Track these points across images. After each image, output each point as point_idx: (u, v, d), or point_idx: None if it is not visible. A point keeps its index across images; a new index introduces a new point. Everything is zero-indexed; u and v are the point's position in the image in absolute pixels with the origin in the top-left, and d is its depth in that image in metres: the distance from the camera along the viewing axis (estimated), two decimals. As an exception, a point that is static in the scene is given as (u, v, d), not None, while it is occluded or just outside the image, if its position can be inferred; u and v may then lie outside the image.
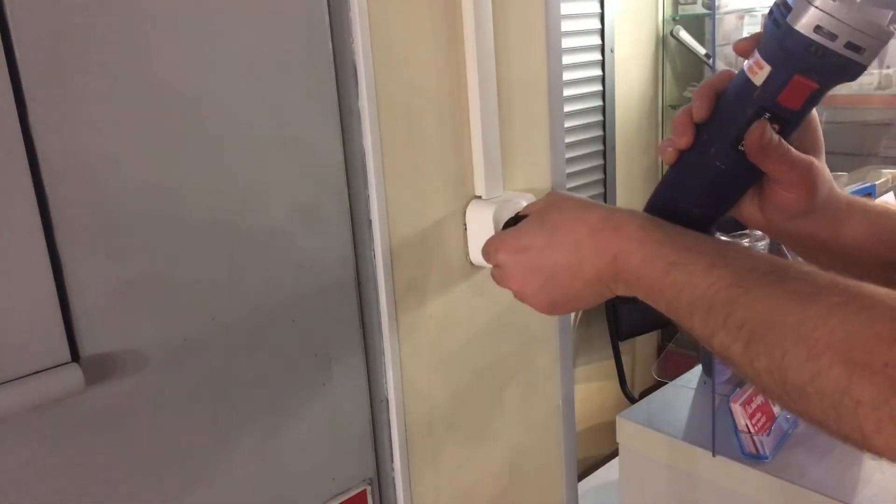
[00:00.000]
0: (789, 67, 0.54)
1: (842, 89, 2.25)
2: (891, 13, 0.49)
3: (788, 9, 0.52)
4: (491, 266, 0.68)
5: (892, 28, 0.50)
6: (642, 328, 2.57)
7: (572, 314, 1.07)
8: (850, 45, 0.50)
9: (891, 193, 1.71)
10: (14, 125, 0.54)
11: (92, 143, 0.59)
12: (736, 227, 1.22)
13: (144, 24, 0.60)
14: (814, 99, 0.55)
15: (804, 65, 0.53)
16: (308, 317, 0.74)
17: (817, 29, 0.50)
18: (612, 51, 2.41)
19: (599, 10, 2.35)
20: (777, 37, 0.53)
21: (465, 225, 0.86)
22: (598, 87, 2.45)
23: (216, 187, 0.66)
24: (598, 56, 2.42)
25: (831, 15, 0.50)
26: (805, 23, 0.51)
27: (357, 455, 0.81)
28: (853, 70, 0.52)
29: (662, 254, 0.53)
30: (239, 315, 0.69)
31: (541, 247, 0.61)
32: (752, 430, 1.27)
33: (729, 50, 2.27)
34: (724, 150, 0.59)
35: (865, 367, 0.39)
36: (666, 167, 0.64)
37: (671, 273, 0.52)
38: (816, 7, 0.50)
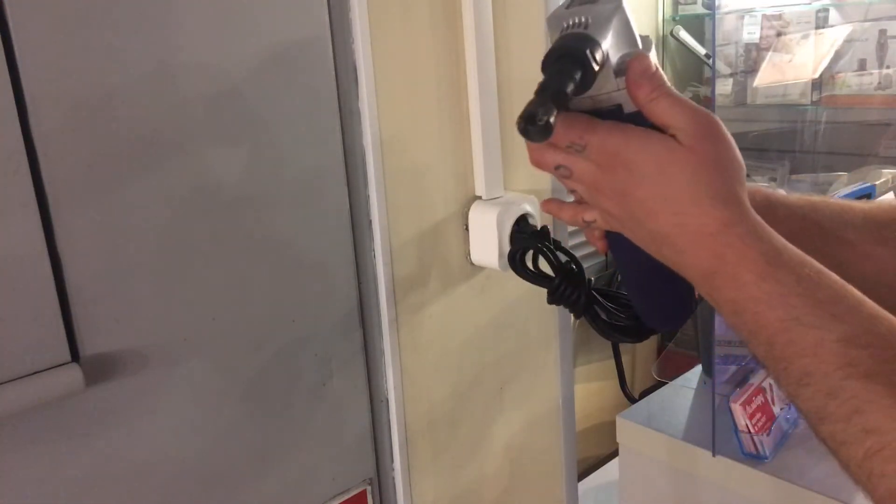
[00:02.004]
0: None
1: (842, 89, 2.23)
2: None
3: (613, 110, 0.50)
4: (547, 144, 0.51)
5: (647, 36, 0.50)
6: (642, 328, 2.55)
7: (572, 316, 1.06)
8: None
9: (891, 193, 1.71)
10: (15, 125, 0.54)
11: (92, 144, 0.59)
12: None
13: (145, 28, 0.60)
14: None
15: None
16: (308, 317, 0.74)
17: (617, 74, 0.49)
18: (612, 51, 2.40)
19: (599, 10, 2.35)
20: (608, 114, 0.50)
21: (467, 226, 0.86)
22: (599, 87, 2.44)
23: (216, 187, 0.66)
24: (598, 56, 2.40)
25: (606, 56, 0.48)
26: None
27: (357, 455, 0.81)
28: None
29: (789, 303, 0.44)
30: (239, 315, 0.69)
31: (647, 175, 0.47)
32: (752, 430, 1.27)
33: (729, 50, 2.27)
34: None
35: None
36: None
37: (791, 330, 0.43)
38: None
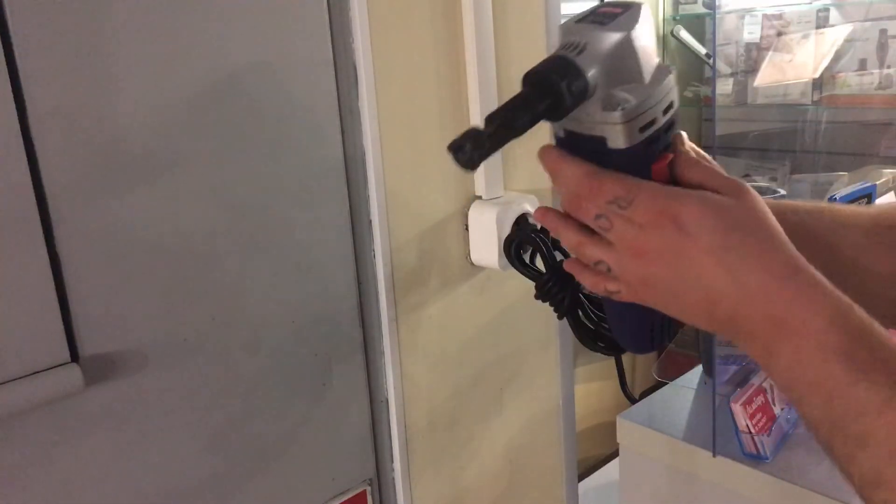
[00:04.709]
0: (645, 168, 0.48)
1: (842, 89, 2.22)
2: (659, 60, 0.47)
3: (597, 140, 0.47)
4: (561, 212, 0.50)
5: (669, 69, 0.47)
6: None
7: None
8: (667, 110, 0.48)
9: (891, 193, 1.71)
10: (14, 126, 0.54)
11: (92, 145, 0.59)
12: None
13: (144, 28, 0.60)
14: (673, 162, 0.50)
15: (653, 157, 0.48)
16: (308, 317, 0.74)
17: (643, 129, 0.46)
18: (612, 51, 2.40)
19: (600, 10, 2.35)
20: (616, 164, 0.47)
21: (466, 225, 0.86)
22: (599, 87, 2.43)
23: (215, 187, 0.66)
24: (598, 56, 2.40)
25: (639, 112, 0.46)
26: (628, 138, 0.46)
27: (357, 455, 0.81)
28: (677, 121, 0.49)
29: (857, 357, 0.42)
30: (239, 315, 0.69)
31: (704, 228, 0.45)
32: (752, 430, 1.27)
33: (729, 50, 2.27)
34: None
35: None
36: None
37: (856, 386, 0.41)
38: (625, 120, 0.46)
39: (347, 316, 0.78)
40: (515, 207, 0.83)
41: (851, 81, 2.06)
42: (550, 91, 0.45)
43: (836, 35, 2.07)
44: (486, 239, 0.84)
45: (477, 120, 0.82)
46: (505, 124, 0.45)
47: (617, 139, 0.47)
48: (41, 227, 0.56)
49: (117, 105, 0.59)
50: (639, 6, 0.46)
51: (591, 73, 0.45)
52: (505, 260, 0.81)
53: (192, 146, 0.64)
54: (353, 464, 0.81)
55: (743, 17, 2.25)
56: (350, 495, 0.81)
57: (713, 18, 2.29)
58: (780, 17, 2.18)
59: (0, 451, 0.57)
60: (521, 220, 0.83)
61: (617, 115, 0.46)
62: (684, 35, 2.37)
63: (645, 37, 0.46)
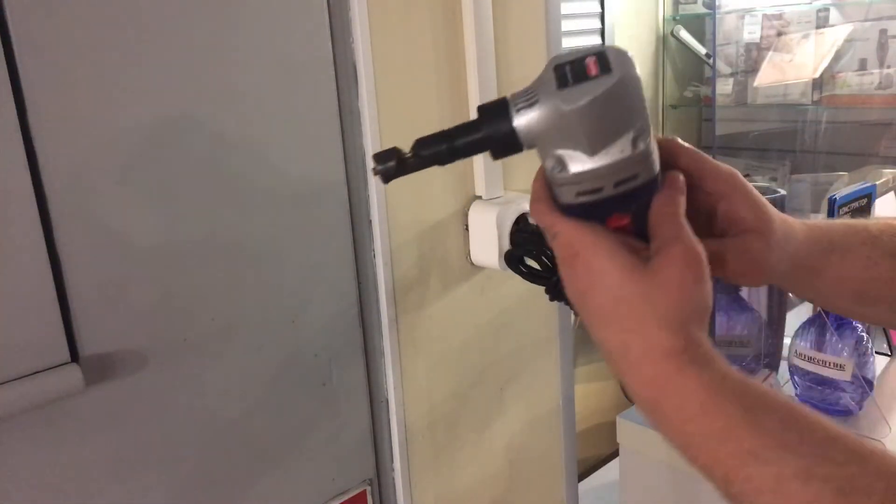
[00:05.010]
0: (594, 221, 0.47)
1: (842, 89, 2.23)
2: (630, 135, 0.44)
3: (550, 180, 0.48)
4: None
5: (638, 145, 0.44)
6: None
7: (572, 315, 1.06)
8: (622, 182, 0.45)
9: (891, 193, 1.71)
10: (14, 125, 0.54)
11: (91, 145, 0.59)
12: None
13: (145, 27, 0.60)
14: (639, 217, 0.48)
15: (601, 217, 0.47)
16: (308, 317, 0.74)
17: (581, 195, 0.46)
18: (612, 50, 2.40)
19: (599, 10, 2.35)
20: (565, 210, 0.48)
21: (466, 225, 0.86)
22: (599, 87, 2.43)
23: (215, 188, 0.66)
24: (598, 56, 2.40)
25: (575, 181, 0.45)
26: (565, 197, 0.47)
27: (357, 455, 0.81)
28: (646, 189, 0.46)
29: (738, 436, 0.41)
30: (239, 315, 0.69)
31: (605, 285, 0.46)
32: (752, 430, 1.27)
33: (729, 50, 2.27)
34: None
35: None
36: None
37: (748, 466, 0.41)
38: (560, 183, 0.46)
39: (347, 316, 0.78)
40: (515, 207, 0.83)
41: (851, 81, 2.06)
42: (475, 133, 0.47)
43: (836, 35, 2.07)
44: (486, 239, 0.84)
45: (477, 120, 0.82)
46: (424, 154, 0.47)
47: (558, 192, 0.47)
48: (41, 227, 0.56)
49: (117, 104, 0.59)
50: (620, 73, 0.42)
51: (525, 132, 0.45)
52: (504, 262, 0.81)
53: (191, 145, 0.64)
54: (353, 464, 0.81)
55: (743, 17, 2.25)
56: (350, 495, 0.81)
57: (713, 18, 2.29)
58: (780, 17, 2.18)
59: (0, 451, 0.57)
60: (521, 220, 0.83)
61: (554, 175, 0.46)
62: (684, 35, 2.37)
63: (605, 108, 0.43)
